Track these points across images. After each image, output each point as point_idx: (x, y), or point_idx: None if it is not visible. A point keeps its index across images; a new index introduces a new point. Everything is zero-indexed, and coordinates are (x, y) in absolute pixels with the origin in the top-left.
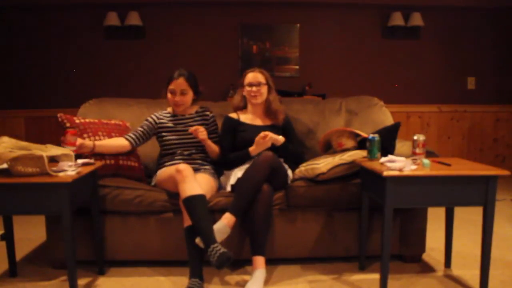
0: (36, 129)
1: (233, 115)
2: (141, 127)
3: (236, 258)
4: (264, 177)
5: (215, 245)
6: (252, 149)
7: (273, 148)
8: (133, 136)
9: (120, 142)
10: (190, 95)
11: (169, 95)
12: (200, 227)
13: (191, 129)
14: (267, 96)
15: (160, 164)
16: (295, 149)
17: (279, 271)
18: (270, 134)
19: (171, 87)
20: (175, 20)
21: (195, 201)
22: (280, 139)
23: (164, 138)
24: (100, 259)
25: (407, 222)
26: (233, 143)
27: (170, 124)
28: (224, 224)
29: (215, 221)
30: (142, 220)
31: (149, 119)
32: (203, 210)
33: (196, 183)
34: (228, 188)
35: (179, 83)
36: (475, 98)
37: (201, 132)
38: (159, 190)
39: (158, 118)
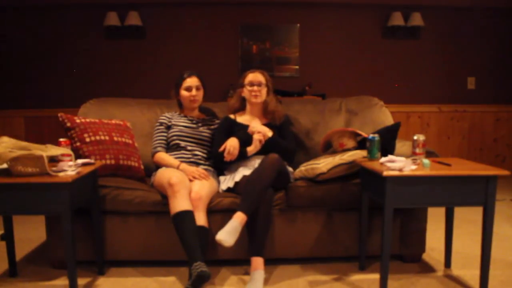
0: (36, 129)
1: (231, 116)
2: (160, 133)
3: (235, 258)
4: (272, 179)
5: (198, 263)
6: (250, 149)
7: (266, 145)
8: (164, 146)
9: (165, 156)
10: (202, 92)
11: (184, 93)
12: (187, 243)
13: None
14: (265, 97)
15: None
16: (287, 144)
17: (279, 271)
18: (258, 127)
19: (186, 84)
20: (175, 20)
21: (183, 217)
22: (268, 132)
23: (172, 131)
24: (100, 259)
25: (407, 222)
26: None
27: (180, 121)
28: (238, 223)
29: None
30: (142, 220)
31: (161, 121)
32: (190, 226)
33: (186, 197)
34: (223, 188)
35: (194, 80)
36: (475, 98)
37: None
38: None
39: (169, 118)
